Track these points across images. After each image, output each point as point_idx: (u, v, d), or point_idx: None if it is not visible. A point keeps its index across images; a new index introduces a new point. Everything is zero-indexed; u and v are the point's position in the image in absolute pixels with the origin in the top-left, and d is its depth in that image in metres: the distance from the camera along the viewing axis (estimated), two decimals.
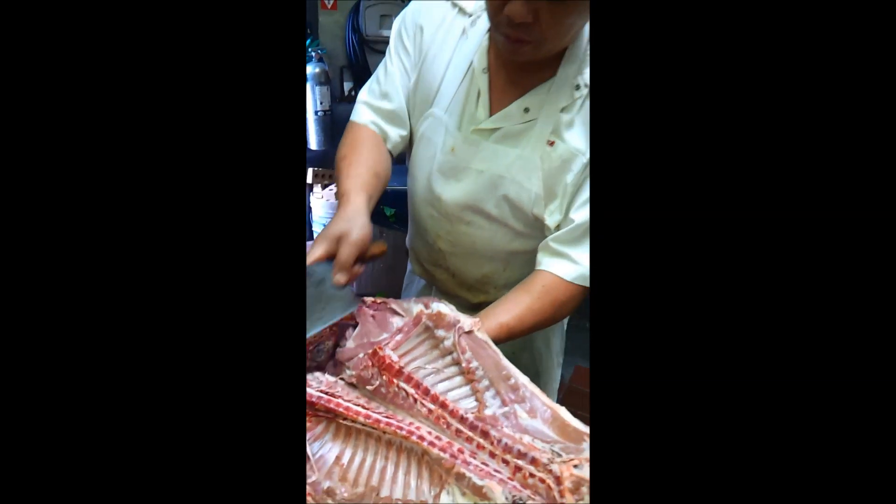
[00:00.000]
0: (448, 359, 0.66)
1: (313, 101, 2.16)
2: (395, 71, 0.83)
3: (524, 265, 0.85)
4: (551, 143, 0.75)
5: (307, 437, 0.61)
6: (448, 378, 0.65)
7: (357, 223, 0.69)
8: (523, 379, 0.63)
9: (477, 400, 0.62)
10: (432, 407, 0.61)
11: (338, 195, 0.76)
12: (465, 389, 0.64)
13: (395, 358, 0.64)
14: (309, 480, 0.57)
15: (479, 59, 0.76)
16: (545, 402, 0.61)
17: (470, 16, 0.78)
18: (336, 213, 0.72)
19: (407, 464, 0.59)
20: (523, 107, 0.75)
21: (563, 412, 0.60)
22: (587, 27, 0.72)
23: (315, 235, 3.51)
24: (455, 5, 0.79)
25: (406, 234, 1.02)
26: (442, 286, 0.98)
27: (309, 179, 2.16)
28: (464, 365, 0.64)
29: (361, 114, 0.86)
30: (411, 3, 0.84)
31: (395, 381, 0.62)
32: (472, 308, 0.86)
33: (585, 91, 0.73)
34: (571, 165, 0.75)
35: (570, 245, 0.76)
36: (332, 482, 0.57)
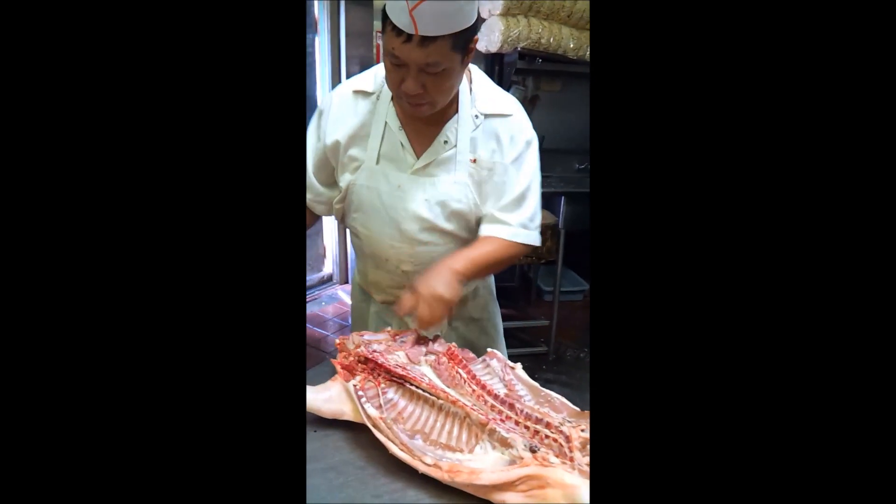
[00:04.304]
0: (496, 378, 0.86)
1: None
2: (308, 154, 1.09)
3: None
4: (474, 161, 1.05)
5: (384, 390, 0.80)
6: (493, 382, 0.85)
7: None
8: (554, 395, 0.81)
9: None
10: (475, 388, 0.79)
11: None
12: (504, 390, 0.83)
13: (461, 356, 0.85)
14: (380, 415, 0.75)
15: (391, 120, 1.05)
16: (572, 407, 0.79)
17: (372, 93, 1.07)
18: None
19: (451, 422, 0.76)
20: (443, 140, 1.03)
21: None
22: (464, 74, 1.00)
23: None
24: (358, 92, 1.07)
25: None
26: None
27: None
28: (506, 379, 0.84)
29: None
30: (321, 110, 1.10)
31: (455, 367, 0.82)
32: None
33: (482, 118, 1.04)
34: (494, 170, 1.05)
35: (505, 213, 1.06)
36: (394, 421, 0.75)
